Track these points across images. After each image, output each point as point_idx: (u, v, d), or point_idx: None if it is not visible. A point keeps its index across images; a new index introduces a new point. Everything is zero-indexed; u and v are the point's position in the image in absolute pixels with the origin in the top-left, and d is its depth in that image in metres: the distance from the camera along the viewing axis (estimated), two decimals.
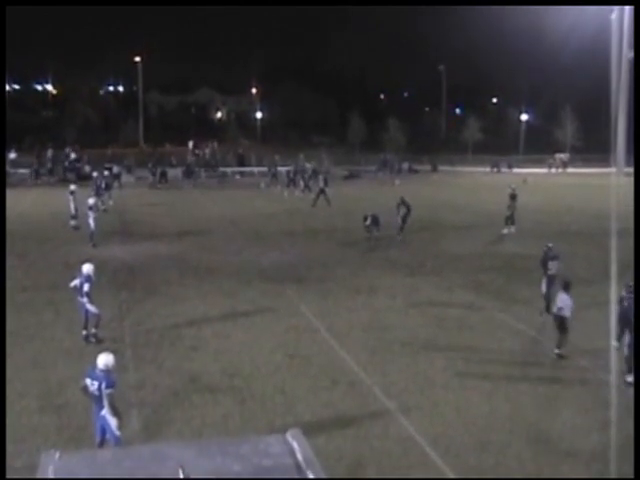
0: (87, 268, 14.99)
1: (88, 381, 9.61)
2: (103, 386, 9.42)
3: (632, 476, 8.65)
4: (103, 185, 38.21)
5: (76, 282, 15.08)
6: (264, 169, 57.96)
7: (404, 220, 28.13)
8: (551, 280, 16.87)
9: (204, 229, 30.19)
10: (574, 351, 14.39)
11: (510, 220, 29.32)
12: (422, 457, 10.25)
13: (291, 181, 47.25)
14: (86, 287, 14.74)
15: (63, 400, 12.11)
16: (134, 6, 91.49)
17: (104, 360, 9.63)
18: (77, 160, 56.43)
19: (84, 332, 15.03)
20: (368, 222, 27.78)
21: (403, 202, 28.55)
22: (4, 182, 45.91)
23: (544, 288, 16.91)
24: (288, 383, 12.90)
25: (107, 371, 9.57)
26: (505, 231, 28.99)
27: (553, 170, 69.30)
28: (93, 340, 14.92)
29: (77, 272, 15.31)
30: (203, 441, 8.74)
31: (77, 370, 12.92)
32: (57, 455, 6.35)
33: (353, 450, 10.37)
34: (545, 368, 13.79)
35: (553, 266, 16.91)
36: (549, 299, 16.97)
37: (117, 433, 9.42)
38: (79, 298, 14.96)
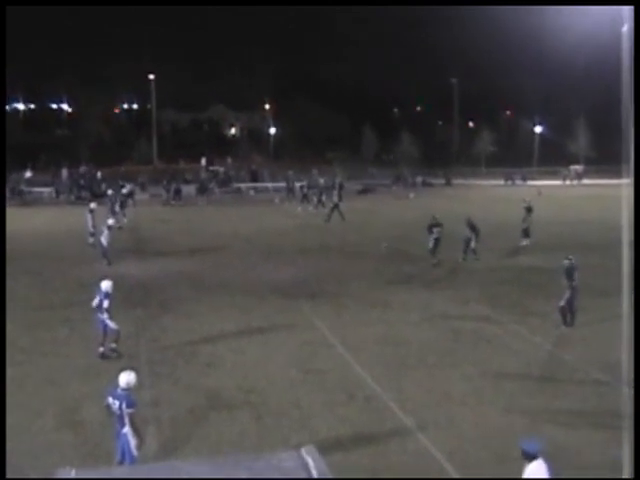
0: (106, 285, 15.12)
1: (110, 400, 9.62)
2: (124, 406, 9.43)
3: (632, 476, 8.58)
4: (118, 203, 38.42)
5: (96, 300, 15.15)
6: (279, 185, 58.12)
7: (467, 244, 25.86)
8: (575, 292, 16.69)
9: (218, 245, 30.24)
10: (591, 364, 14.30)
11: (525, 233, 29.26)
12: (439, 472, 10.18)
13: (304, 197, 47.29)
14: (105, 304, 14.84)
15: (79, 417, 12.15)
16: (146, 21, 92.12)
17: (126, 379, 9.63)
18: (92, 178, 56.84)
19: (101, 349, 15.08)
20: (431, 244, 25.20)
21: (468, 223, 26.16)
22: (4, 188, 46.32)
23: (565, 300, 16.68)
24: (304, 398, 12.87)
25: (128, 390, 9.57)
26: (523, 243, 28.96)
27: (568, 182, 68.95)
28: (114, 355, 15.01)
29: (96, 289, 15.37)
30: (217, 457, 8.72)
31: (93, 387, 12.99)
32: (73, 472, 6.37)
33: (370, 465, 10.31)
34: (562, 382, 13.68)
35: (576, 277, 16.72)
36: (573, 310, 16.78)
37: (134, 453, 9.41)
38: (98, 315, 15.03)
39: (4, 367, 13.50)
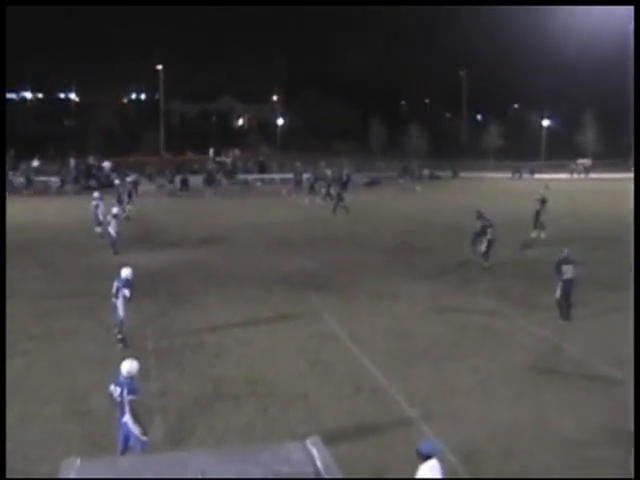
0: (125, 272, 15.18)
1: (112, 387, 9.67)
2: (125, 392, 9.46)
3: (632, 476, 8.57)
4: (125, 193, 38.57)
5: (114, 286, 15.16)
6: (286, 176, 58.08)
7: (474, 240, 24.82)
8: (567, 285, 16.74)
9: (226, 236, 30.26)
10: (599, 358, 14.28)
11: (540, 225, 29.56)
12: (445, 465, 10.16)
13: (312, 188, 47.24)
14: (126, 291, 14.91)
15: (87, 407, 12.19)
16: (154, 8, 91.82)
17: (127, 367, 9.68)
18: (99, 168, 56.91)
19: (115, 330, 15.21)
20: (484, 246, 23.37)
21: (480, 216, 25.33)
22: (4, 184, 46.54)
23: (559, 293, 16.84)
24: (311, 390, 12.89)
25: (130, 378, 9.61)
26: (534, 235, 28.97)
27: (575, 176, 68.72)
28: (120, 345, 15.02)
29: (115, 276, 15.40)
30: (223, 448, 8.75)
31: (101, 377, 13.01)
32: (78, 462, 6.39)
33: (375, 457, 10.33)
34: (569, 375, 13.66)
35: (568, 270, 16.76)
36: (569, 305, 16.83)
37: (143, 439, 9.44)
38: (113, 300, 15.11)
39: (4, 367, 13.52)
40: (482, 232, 23.74)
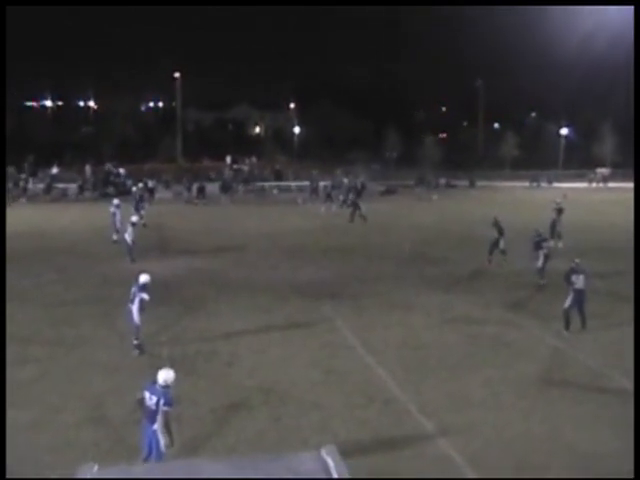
0: (144, 278, 15.29)
1: (147, 395, 9.67)
2: (161, 402, 9.48)
3: (632, 476, 8.50)
4: (141, 199, 38.64)
5: (132, 291, 15.25)
6: (302, 184, 58.19)
7: (493, 246, 25.67)
8: (578, 295, 16.65)
9: (240, 244, 30.31)
10: (613, 370, 14.18)
11: (557, 234, 29.19)
12: (459, 477, 10.13)
13: (328, 197, 47.27)
14: (145, 295, 15.02)
15: (100, 414, 12.22)
16: (173, 20, 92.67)
17: (164, 376, 9.70)
18: (117, 175, 57.24)
19: (133, 337, 15.29)
20: (541, 262, 22.12)
21: (495, 224, 25.94)
22: (4, 186, 46.95)
23: (568, 303, 16.72)
24: (323, 400, 12.86)
25: (166, 387, 9.64)
26: (560, 245, 28.66)
27: (594, 185, 68.31)
28: (136, 352, 15.08)
29: (133, 282, 15.50)
30: (236, 457, 8.74)
31: (114, 384, 13.11)
32: (95, 469, 6.44)
33: (389, 469, 10.28)
34: (584, 387, 13.54)
35: (578, 280, 16.63)
36: (582, 315, 16.66)
37: (162, 450, 9.45)
38: (129, 305, 15.22)
39: (4, 367, 13.59)
40: (538, 247, 22.65)
